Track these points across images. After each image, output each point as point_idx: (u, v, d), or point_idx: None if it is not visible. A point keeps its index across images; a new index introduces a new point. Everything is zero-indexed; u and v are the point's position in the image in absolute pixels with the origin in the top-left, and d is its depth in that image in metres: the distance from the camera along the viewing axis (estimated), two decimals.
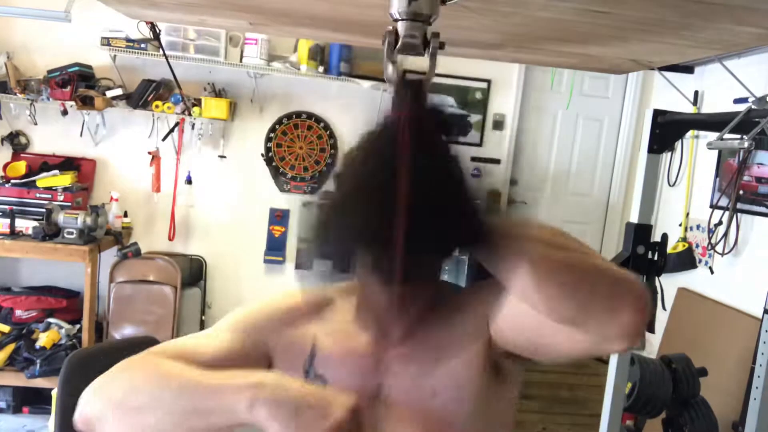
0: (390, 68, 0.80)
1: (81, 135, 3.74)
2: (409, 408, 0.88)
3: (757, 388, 1.96)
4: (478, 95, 4.05)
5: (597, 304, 0.74)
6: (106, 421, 0.76)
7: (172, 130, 3.76)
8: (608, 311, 0.74)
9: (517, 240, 0.78)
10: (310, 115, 3.94)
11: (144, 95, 3.63)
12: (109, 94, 3.59)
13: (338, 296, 0.97)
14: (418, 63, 0.85)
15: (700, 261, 3.49)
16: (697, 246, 3.51)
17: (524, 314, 0.83)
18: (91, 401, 0.79)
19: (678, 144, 3.67)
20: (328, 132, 3.95)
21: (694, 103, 3.58)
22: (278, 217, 3.97)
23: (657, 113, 1.94)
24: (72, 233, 3.23)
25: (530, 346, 0.88)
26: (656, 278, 2.02)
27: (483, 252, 0.79)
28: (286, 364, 0.92)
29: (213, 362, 0.85)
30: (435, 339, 0.91)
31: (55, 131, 3.73)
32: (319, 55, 3.73)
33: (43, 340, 3.30)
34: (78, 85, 3.54)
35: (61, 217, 3.24)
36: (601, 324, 0.75)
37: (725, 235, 3.20)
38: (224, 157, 3.90)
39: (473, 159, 3.82)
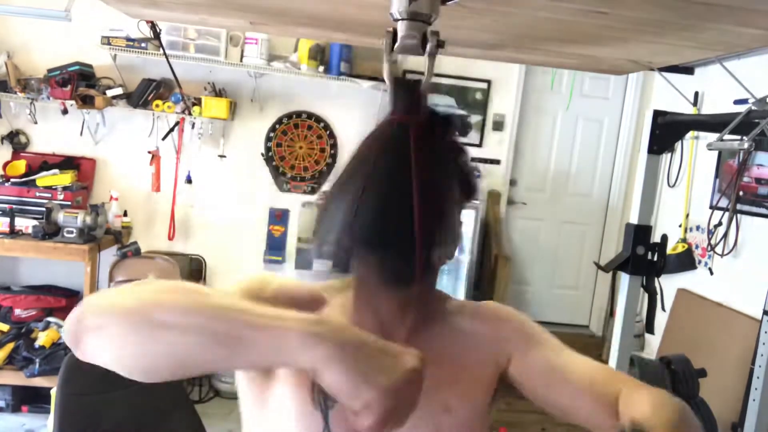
0: (388, 68, 0.80)
1: (81, 134, 3.74)
2: (418, 418, 0.86)
3: (756, 389, 1.96)
4: (478, 96, 4.05)
5: None
6: (105, 332, 0.63)
7: (172, 130, 3.76)
8: None
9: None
10: (310, 115, 3.94)
11: (144, 94, 3.64)
12: (110, 93, 3.59)
13: (329, 296, 0.93)
14: (421, 62, 0.85)
15: (699, 262, 3.49)
16: (697, 247, 3.52)
17: (555, 376, 0.87)
18: (95, 305, 0.66)
19: (678, 145, 3.66)
20: (328, 132, 3.95)
21: (694, 104, 3.58)
22: (278, 216, 3.96)
23: (657, 114, 1.94)
24: (72, 232, 3.23)
25: (544, 399, 0.88)
26: (656, 279, 2.02)
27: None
28: None
29: None
30: (443, 349, 0.89)
31: (55, 130, 3.73)
32: (320, 55, 3.73)
33: (43, 339, 3.30)
34: (78, 84, 3.54)
35: (60, 216, 3.24)
36: None
37: (725, 236, 3.20)
38: (224, 156, 3.89)
39: (473, 159, 3.82)
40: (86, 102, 3.50)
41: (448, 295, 1.00)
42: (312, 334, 0.60)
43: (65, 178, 3.53)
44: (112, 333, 0.63)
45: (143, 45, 3.55)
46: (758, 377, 1.96)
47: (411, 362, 0.63)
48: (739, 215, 3.15)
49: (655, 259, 1.98)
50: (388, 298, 0.86)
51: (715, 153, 3.36)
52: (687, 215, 3.62)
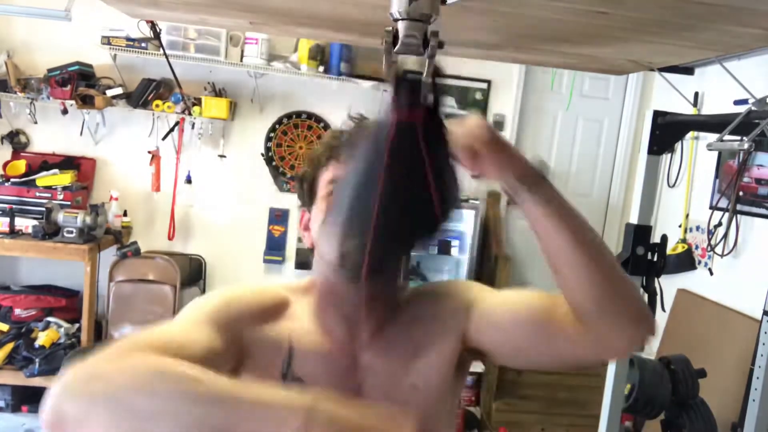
0: (389, 68, 0.80)
1: (81, 134, 3.74)
2: (391, 405, 0.87)
3: (756, 389, 1.96)
4: (478, 96, 4.05)
5: (623, 308, 0.79)
6: (88, 424, 0.60)
7: (172, 130, 3.76)
8: (627, 318, 0.79)
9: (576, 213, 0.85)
10: (310, 115, 3.94)
11: (144, 94, 3.64)
12: (110, 93, 3.59)
13: (294, 297, 0.94)
14: (422, 63, 0.85)
15: (699, 262, 3.49)
16: (697, 247, 3.51)
17: (512, 318, 0.88)
18: (72, 395, 0.62)
19: (678, 145, 3.66)
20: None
21: (694, 104, 3.58)
22: (278, 216, 3.97)
23: (657, 114, 1.94)
24: (71, 232, 3.23)
25: (509, 349, 0.90)
26: (656, 279, 2.02)
27: (535, 187, 0.85)
28: (261, 363, 0.86)
29: (203, 361, 0.71)
30: (408, 335, 0.93)
31: (55, 130, 3.73)
32: (320, 55, 3.73)
33: (43, 339, 3.30)
34: (78, 84, 3.54)
35: (60, 216, 3.24)
36: (615, 327, 0.79)
37: (725, 236, 3.20)
38: (224, 156, 3.89)
39: None
40: (86, 102, 3.50)
41: (408, 285, 1.03)
42: (308, 419, 0.59)
43: (65, 178, 3.53)
44: (94, 426, 0.60)
45: (143, 45, 3.55)
46: (758, 377, 1.96)
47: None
48: (739, 216, 3.15)
49: (655, 259, 1.98)
50: (351, 295, 0.88)
51: (715, 153, 3.36)
52: (687, 215, 3.62)
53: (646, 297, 2.08)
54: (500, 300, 0.93)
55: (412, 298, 0.98)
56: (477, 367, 3.58)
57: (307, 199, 0.95)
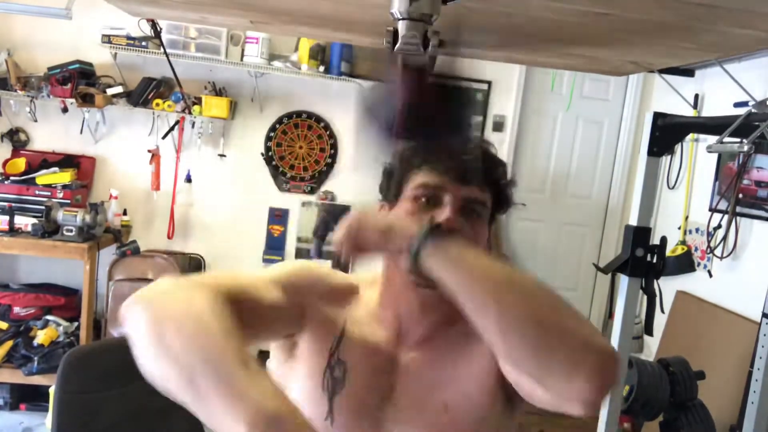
0: (390, 65, 0.81)
1: (81, 132, 3.73)
2: (418, 416, 0.89)
3: (754, 391, 1.96)
4: (479, 96, 4.05)
5: (556, 364, 0.72)
6: (136, 327, 0.69)
7: (172, 129, 3.76)
8: (566, 374, 0.72)
9: (490, 274, 0.77)
10: (310, 115, 3.94)
11: (144, 93, 3.63)
12: (110, 91, 3.59)
13: (363, 286, 0.98)
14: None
15: (698, 264, 3.49)
16: (696, 249, 3.51)
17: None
18: (141, 300, 0.72)
19: (678, 147, 3.66)
20: (328, 132, 3.95)
21: (695, 106, 3.58)
22: (277, 216, 3.96)
23: (657, 116, 1.94)
24: (71, 231, 3.23)
25: (516, 386, 0.87)
26: (655, 281, 2.02)
27: (451, 270, 0.77)
28: (315, 338, 0.91)
29: (266, 313, 0.85)
30: (451, 351, 0.92)
31: (55, 128, 3.73)
32: (320, 55, 3.73)
33: (41, 337, 3.29)
34: (78, 82, 3.53)
35: (60, 215, 3.24)
36: (558, 384, 0.74)
37: (724, 238, 3.20)
38: (224, 156, 3.89)
39: None
40: (86, 100, 3.50)
41: None
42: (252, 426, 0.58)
43: (65, 177, 3.52)
44: (139, 332, 0.68)
45: (144, 44, 3.55)
46: (757, 380, 1.96)
47: None
48: (738, 218, 3.15)
49: (655, 261, 1.98)
50: (410, 297, 0.91)
51: (715, 155, 3.36)
52: (686, 217, 3.62)
53: (645, 299, 2.08)
54: None
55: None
56: None
57: (392, 195, 0.94)
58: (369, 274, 1.00)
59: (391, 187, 0.94)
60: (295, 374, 0.92)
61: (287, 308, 0.88)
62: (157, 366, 0.65)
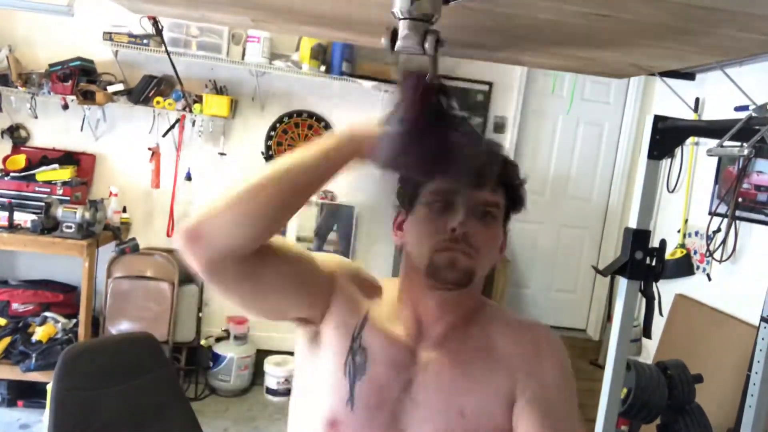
0: (393, 65, 0.82)
1: (81, 129, 3.73)
2: (435, 416, 0.90)
3: (752, 395, 1.96)
4: (480, 98, 4.05)
5: None
6: (212, 224, 0.81)
7: (172, 127, 3.76)
8: None
9: None
10: (311, 114, 3.95)
11: (145, 91, 3.63)
12: (111, 89, 3.59)
13: (386, 287, 1.02)
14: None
15: (697, 268, 3.49)
16: (695, 253, 3.52)
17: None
18: (201, 211, 0.84)
19: (678, 150, 3.67)
20: (328, 132, 3.95)
21: (695, 110, 3.59)
22: None
23: (657, 119, 1.94)
24: (70, 227, 3.22)
25: None
26: (654, 284, 2.02)
27: None
28: (339, 317, 0.95)
29: (305, 268, 0.93)
30: (472, 357, 0.93)
31: (55, 125, 3.73)
32: (321, 55, 3.73)
33: (40, 333, 3.29)
34: (79, 79, 3.54)
35: (59, 211, 3.24)
36: None
37: (723, 242, 3.20)
38: (224, 154, 3.89)
39: None
40: (87, 97, 3.50)
41: (496, 305, 1.04)
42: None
43: (65, 173, 3.52)
44: (221, 219, 0.82)
45: (145, 41, 3.55)
46: (755, 384, 1.96)
47: None
48: (737, 221, 3.15)
49: (654, 264, 1.98)
50: (428, 297, 0.94)
51: (715, 159, 3.36)
52: (686, 221, 3.62)
53: (643, 301, 2.08)
54: (545, 408, 0.90)
55: (493, 320, 0.98)
56: None
57: (407, 201, 0.97)
58: (392, 279, 1.03)
59: (406, 194, 0.97)
60: (319, 361, 0.95)
61: (318, 280, 0.94)
62: (256, 201, 0.81)
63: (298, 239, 3.97)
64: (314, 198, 3.98)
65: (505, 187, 0.96)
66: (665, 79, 3.61)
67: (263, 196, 0.80)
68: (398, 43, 0.83)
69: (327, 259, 0.99)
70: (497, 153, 0.98)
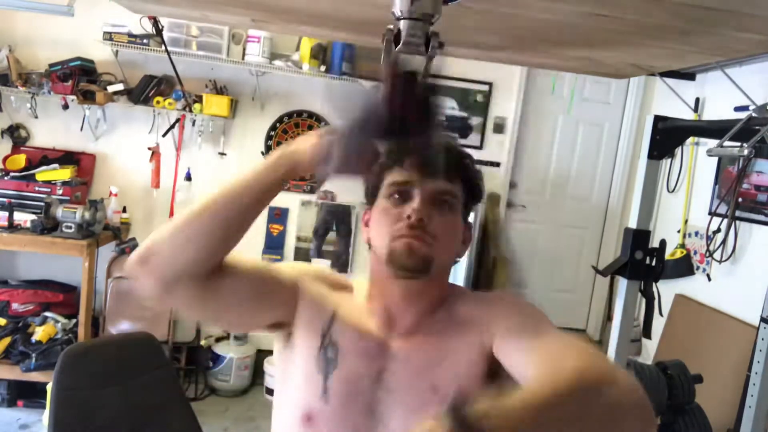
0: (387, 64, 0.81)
1: (81, 129, 3.73)
2: (408, 398, 0.92)
3: (752, 395, 1.96)
4: (480, 98, 4.05)
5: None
6: (160, 247, 0.86)
7: (172, 127, 3.76)
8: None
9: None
10: (311, 114, 3.95)
11: (145, 91, 3.63)
12: (111, 89, 3.59)
13: (356, 286, 1.06)
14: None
15: (697, 268, 3.49)
16: (695, 253, 3.52)
17: (518, 373, 0.86)
18: (148, 240, 0.88)
19: (678, 150, 3.67)
20: None
21: (695, 110, 3.59)
22: (277, 215, 3.96)
23: (657, 119, 1.94)
24: (70, 227, 3.22)
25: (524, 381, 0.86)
26: (654, 284, 2.02)
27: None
28: (308, 317, 0.99)
29: (263, 279, 0.98)
30: (439, 338, 0.96)
31: (55, 125, 3.73)
32: (321, 55, 3.73)
33: (39, 333, 3.29)
34: (79, 79, 3.53)
35: (59, 211, 3.24)
36: None
37: (723, 242, 3.20)
38: (224, 154, 3.89)
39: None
40: (87, 97, 3.50)
41: (466, 290, 1.08)
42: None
43: (65, 173, 3.52)
44: (164, 246, 0.87)
45: (145, 41, 3.55)
46: (754, 384, 1.96)
47: None
48: (737, 222, 3.15)
49: (654, 264, 1.98)
50: (394, 288, 0.97)
51: (715, 159, 3.36)
52: (686, 221, 3.62)
53: (643, 301, 2.08)
54: (527, 345, 0.87)
55: (459, 300, 1.01)
56: None
57: (370, 197, 1.01)
58: (362, 277, 1.06)
59: (369, 190, 1.01)
60: (293, 360, 0.99)
61: (283, 281, 0.99)
62: (200, 228, 0.87)
63: (298, 239, 3.98)
64: (314, 198, 3.98)
65: (462, 179, 0.98)
66: (665, 79, 3.61)
67: (206, 217, 0.87)
68: (399, 44, 0.83)
69: (290, 266, 1.04)
70: (450, 144, 1.00)
